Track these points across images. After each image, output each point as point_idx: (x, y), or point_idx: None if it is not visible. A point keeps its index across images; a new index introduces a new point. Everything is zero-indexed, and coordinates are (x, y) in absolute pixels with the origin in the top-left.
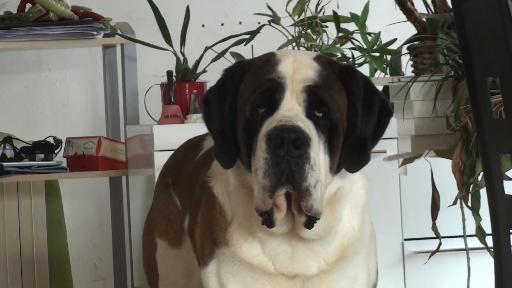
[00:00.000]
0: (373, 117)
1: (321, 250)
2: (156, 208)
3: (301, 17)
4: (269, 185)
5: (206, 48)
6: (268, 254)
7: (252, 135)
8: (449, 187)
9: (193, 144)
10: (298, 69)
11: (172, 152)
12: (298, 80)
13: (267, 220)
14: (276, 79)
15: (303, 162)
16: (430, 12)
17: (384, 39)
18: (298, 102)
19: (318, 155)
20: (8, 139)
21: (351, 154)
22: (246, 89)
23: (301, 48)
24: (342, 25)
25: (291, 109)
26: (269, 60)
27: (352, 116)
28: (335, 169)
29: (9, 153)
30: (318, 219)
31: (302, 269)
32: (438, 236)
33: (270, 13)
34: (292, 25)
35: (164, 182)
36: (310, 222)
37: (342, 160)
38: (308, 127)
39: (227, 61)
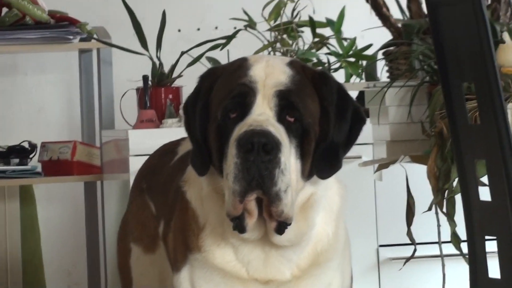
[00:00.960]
0: (346, 124)
1: (294, 256)
2: (130, 213)
3: (277, 22)
4: (239, 190)
5: (182, 53)
6: (241, 260)
7: (224, 140)
8: (424, 193)
9: (168, 149)
10: (270, 74)
11: (148, 157)
12: (270, 85)
13: (238, 225)
14: (247, 83)
15: (273, 167)
16: (406, 18)
17: (360, 44)
18: (269, 106)
19: (289, 160)
20: None
21: (322, 160)
22: (217, 94)
23: (277, 53)
24: (318, 30)
25: (262, 113)
26: (241, 65)
27: (324, 122)
28: (306, 175)
29: None
30: (289, 224)
31: (275, 275)
32: (413, 242)
33: (246, 18)
34: (268, 30)
35: (139, 187)
36: (281, 227)
37: (314, 166)
38: (279, 131)
39: (203, 66)
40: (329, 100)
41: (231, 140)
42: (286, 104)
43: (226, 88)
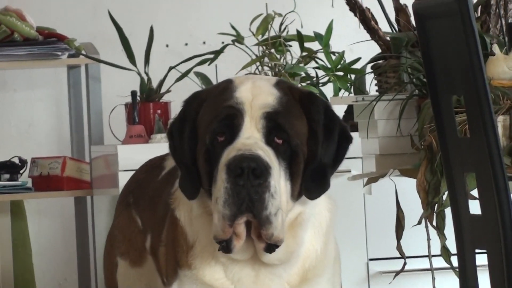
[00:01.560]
0: (333, 144)
1: (284, 273)
2: (116, 227)
3: (265, 37)
4: (229, 214)
5: (170, 68)
6: (231, 278)
7: (213, 163)
8: (414, 207)
9: (155, 164)
10: (257, 95)
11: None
12: (257, 106)
13: (225, 247)
14: (234, 105)
15: (263, 191)
16: (394, 31)
17: (348, 58)
18: (257, 128)
19: (279, 183)
20: None
21: (311, 181)
22: (204, 118)
23: (265, 67)
24: (306, 44)
25: (251, 136)
26: (226, 87)
27: (312, 143)
28: (296, 196)
29: None
30: (279, 245)
31: None
32: (403, 256)
33: (234, 32)
34: (256, 44)
35: (125, 201)
36: (271, 247)
37: (303, 187)
38: (268, 154)
39: (191, 81)
40: (317, 120)
41: (220, 165)
42: (274, 126)
43: (213, 111)
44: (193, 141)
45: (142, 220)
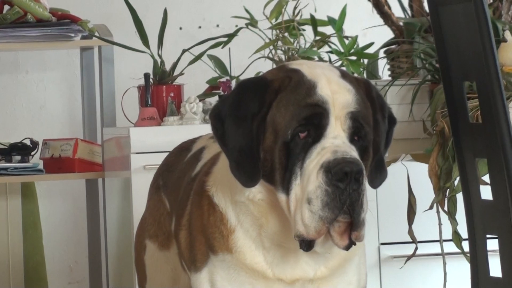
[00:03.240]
0: (386, 130)
1: (322, 258)
2: (148, 210)
3: (279, 20)
4: (329, 217)
5: (184, 51)
6: (269, 262)
7: (292, 159)
8: (425, 192)
9: (185, 146)
10: (337, 93)
11: (151, 152)
12: (341, 106)
13: (307, 245)
14: (320, 104)
15: (362, 194)
16: (407, 16)
17: (361, 42)
18: (342, 128)
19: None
20: None
21: (375, 172)
22: (283, 112)
23: (278, 51)
24: (319, 29)
25: (337, 136)
26: (301, 81)
27: (375, 134)
28: None
29: None
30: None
31: (301, 275)
32: (414, 241)
33: (247, 16)
34: (270, 28)
35: (156, 184)
36: (351, 245)
37: (368, 178)
38: (357, 156)
39: (205, 64)
40: (378, 110)
41: (312, 164)
42: (358, 126)
43: (294, 107)
44: (261, 131)
45: (169, 202)
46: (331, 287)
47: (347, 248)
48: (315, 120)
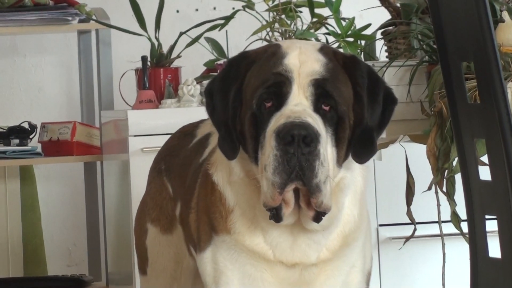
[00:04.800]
0: (378, 107)
1: (322, 239)
2: (149, 194)
3: (275, 2)
4: (279, 182)
5: (181, 34)
6: (269, 243)
7: (259, 129)
8: (423, 173)
9: (187, 131)
10: (305, 62)
11: (148, 135)
12: (305, 74)
13: (275, 215)
14: (283, 72)
15: (313, 159)
16: None
17: (358, 24)
18: (305, 96)
19: (327, 150)
20: None
21: (359, 146)
22: (252, 82)
23: (275, 33)
24: (316, 10)
25: (299, 103)
26: (275, 52)
27: (358, 107)
28: (341, 162)
29: None
30: (327, 213)
31: (301, 258)
32: (413, 222)
33: None
34: (266, 10)
35: (157, 168)
36: (319, 216)
37: (351, 152)
38: (316, 122)
39: (202, 47)
40: (362, 85)
41: (268, 131)
42: (322, 93)
43: (261, 76)
44: (237, 102)
45: (173, 187)
46: (335, 270)
47: (316, 219)
48: (276, 88)
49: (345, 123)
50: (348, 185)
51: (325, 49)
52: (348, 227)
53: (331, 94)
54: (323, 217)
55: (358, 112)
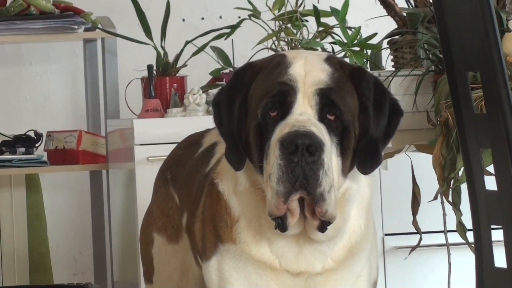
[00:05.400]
0: (384, 118)
1: (327, 249)
2: (154, 203)
3: (281, 12)
4: (283, 191)
5: (187, 42)
6: (275, 252)
7: (264, 138)
8: (429, 182)
9: (193, 140)
10: (310, 72)
11: (154, 144)
12: (310, 83)
13: (280, 225)
14: (287, 82)
15: (317, 168)
16: (411, 7)
17: (365, 33)
18: (310, 105)
19: (331, 160)
20: None
21: (364, 156)
22: (257, 92)
23: (281, 42)
24: (322, 20)
25: (304, 113)
26: (280, 62)
27: (363, 118)
28: (346, 172)
29: None
30: (332, 223)
31: (306, 267)
32: (418, 232)
33: (250, 7)
34: (272, 19)
35: (163, 177)
36: (324, 225)
37: (356, 162)
38: (321, 131)
39: (208, 55)
40: (367, 96)
41: (272, 140)
42: (327, 102)
43: (266, 86)
44: (242, 113)
45: (179, 197)
46: (341, 279)
47: (321, 229)
48: (281, 97)
49: (350, 133)
50: (354, 195)
51: (331, 59)
52: (354, 238)
53: (336, 104)
54: (328, 227)
55: (364, 123)
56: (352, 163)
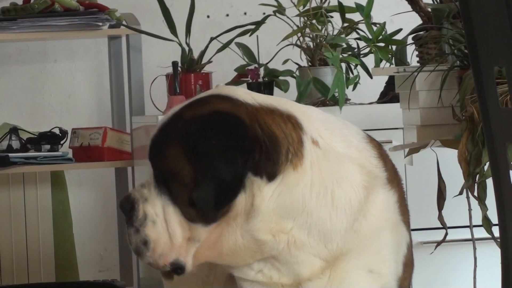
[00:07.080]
0: None
1: None
2: None
3: (306, 8)
4: None
5: (211, 39)
6: None
7: None
8: (455, 177)
9: None
10: None
11: None
12: None
13: None
14: None
15: None
16: (436, 2)
17: (389, 29)
18: None
19: None
20: (14, 130)
21: None
22: None
23: (306, 38)
24: (347, 16)
25: None
26: None
27: None
28: None
29: (15, 144)
30: None
31: None
32: (444, 226)
33: (275, 3)
34: (297, 15)
35: None
36: None
37: None
38: None
39: (233, 52)
40: None
41: None
42: None
43: None
44: None
45: None
46: None
47: None
48: None
49: None
50: None
51: None
52: None
53: None
54: None
55: None
56: None
